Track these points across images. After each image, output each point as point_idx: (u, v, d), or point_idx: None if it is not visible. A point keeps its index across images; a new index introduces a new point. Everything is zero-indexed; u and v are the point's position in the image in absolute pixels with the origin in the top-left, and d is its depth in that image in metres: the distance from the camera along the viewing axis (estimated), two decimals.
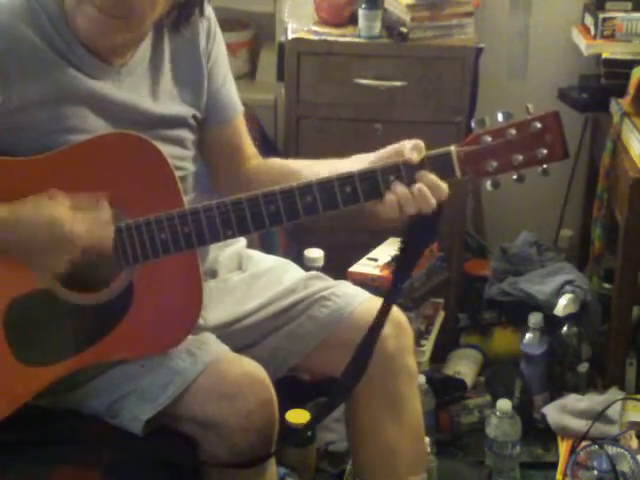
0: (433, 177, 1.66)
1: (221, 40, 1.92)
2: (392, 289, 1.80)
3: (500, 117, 1.63)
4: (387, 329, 1.85)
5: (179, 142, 1.84)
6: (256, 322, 1.94)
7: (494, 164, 1.63)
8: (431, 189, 1.66)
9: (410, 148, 1.68)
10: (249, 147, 2.00)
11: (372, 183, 1.65)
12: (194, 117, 1.87)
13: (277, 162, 1.99)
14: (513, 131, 1.62)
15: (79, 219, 1.64)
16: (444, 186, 1.67)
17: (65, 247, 1.63)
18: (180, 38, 1.82)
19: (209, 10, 1.87)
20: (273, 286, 1.98)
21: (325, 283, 1.99)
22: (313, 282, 1.98)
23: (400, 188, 1.65)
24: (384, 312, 1.79)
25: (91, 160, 1.68)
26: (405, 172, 1.66)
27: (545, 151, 1.62)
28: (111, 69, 1.74)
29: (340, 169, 1.69)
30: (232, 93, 1.95)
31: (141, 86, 1.79)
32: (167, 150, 1.70)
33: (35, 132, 1.68)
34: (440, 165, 1.64)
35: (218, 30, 1.91)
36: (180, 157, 1.83)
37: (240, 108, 1.97)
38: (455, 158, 1.64)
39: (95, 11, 1.64)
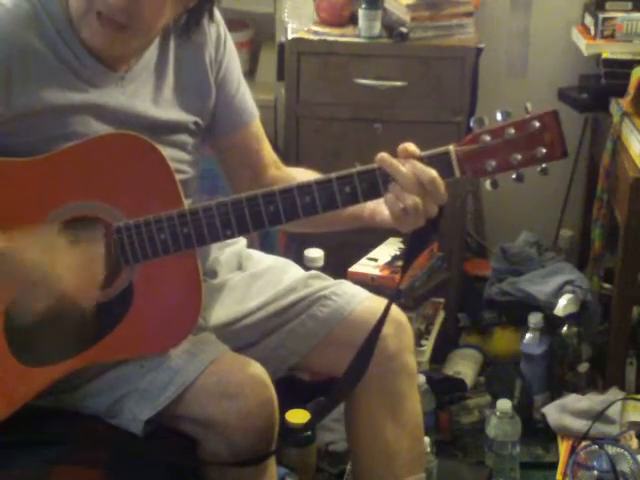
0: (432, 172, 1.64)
1: (232, 47, 1.90)
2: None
3: (499, 116, 1.62)
4: (387, 328, 1.85)
5: (179, 146, 1.84)
6: (256, 321, 1.94)
7: (493, 163, 1.62)
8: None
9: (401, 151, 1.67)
10: (269, 153, 2.00)
11: (371, 182, 1.64)
12: (195, 124, 1.86)
13: (299, 173, 1.97)
14: (512, 130, 1.61)
15: (71, 271, 1.62)
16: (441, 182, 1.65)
17: (43, 291, 1.62)
18: (186, 45, 1.81)
19: (218, 16, 1.85)
20: (273, 285, 1.98)
21: (325, 282, 1.99)
22: (313, 281, 1.98)
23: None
24: (385, 312, 1.78)
25: (91, 160, 1.68)
26: None
27: (544, 150, 1.61)
28: (115, 75, 1.74)
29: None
30: (247, 98, 1.94)
31: (144, 91, 1.78)
32: (167, 153, 1.70)
33: (37, 138, 1.68)
34: (439, 164, 1.63)
35: (228, 37, 1.89)
36: (180, 160, 1.83)
37: (256, 112, 1.96)
38: (454, 157, 1.63)
39: (99, 23, 1.63)
